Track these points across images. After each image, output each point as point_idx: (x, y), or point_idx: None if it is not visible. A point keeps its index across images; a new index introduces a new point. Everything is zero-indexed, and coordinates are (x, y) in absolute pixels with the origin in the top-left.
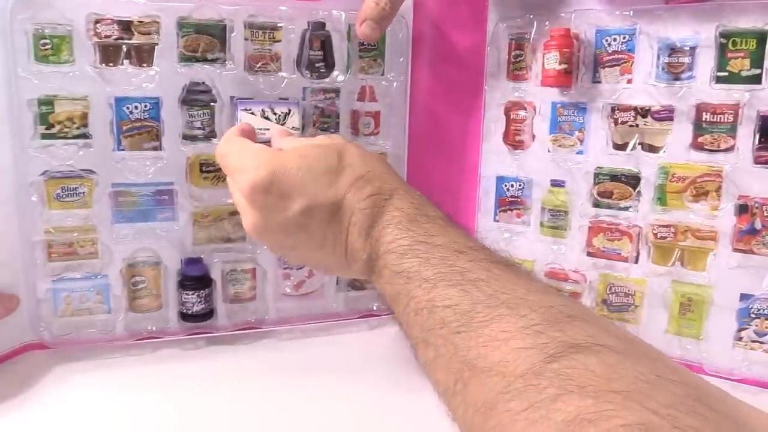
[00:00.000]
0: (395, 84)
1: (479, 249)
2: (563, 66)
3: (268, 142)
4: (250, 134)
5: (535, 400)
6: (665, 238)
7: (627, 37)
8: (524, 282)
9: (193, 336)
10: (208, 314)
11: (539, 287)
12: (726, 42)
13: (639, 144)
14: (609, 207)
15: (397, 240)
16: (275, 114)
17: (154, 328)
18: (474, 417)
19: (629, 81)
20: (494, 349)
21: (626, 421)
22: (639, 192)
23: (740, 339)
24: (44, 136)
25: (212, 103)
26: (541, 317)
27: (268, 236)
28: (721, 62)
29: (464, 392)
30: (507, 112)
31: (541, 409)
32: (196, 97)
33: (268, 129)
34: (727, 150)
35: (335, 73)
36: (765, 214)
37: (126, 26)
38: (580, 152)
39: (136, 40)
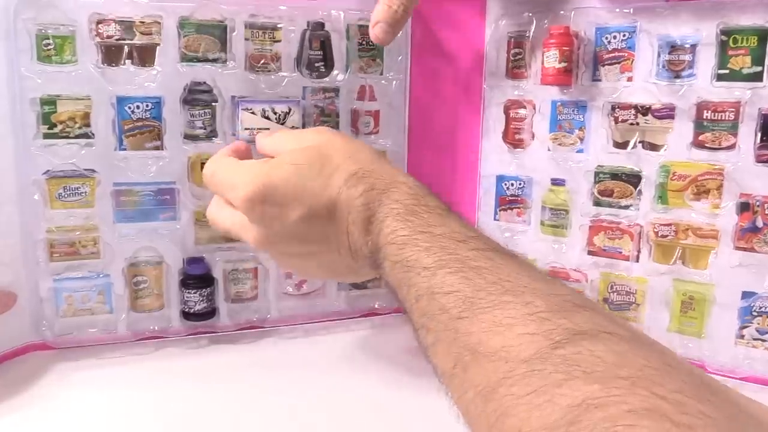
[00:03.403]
0: (394, 83)
1: (481, 238)
2: (563, 64)
3: None
4: (243, 154)
5: (540, 385)
6: (666, 236)
7: (627, 34)
8: (528, 271)
9: (196, 335)
10: (210, 313)
11: (543, 277)
12: (727, 39)
13: (639, 142)
14: (610, 206)
15: (396, 231)
16: (276, 113)
17: (156, 328)
18: (473, 399)
19: (629, 79)
20: (497, 334)
21: (633, 406)
22: (640, 191)
23: (742, 337)
24: (46, 136)
25: (213, 103)
26: (547, 305)
27: (273, 247)
28: (722, 60)
29: (463, 376)
30: (506, 111)
31: (546, 393)
32: (197, 97)
33: (268, 129)
34: (728, 148)
35: (335, 72)
36: (766, 212)
37: (128, 26)
38: (580, 151)
39: (138, 40)
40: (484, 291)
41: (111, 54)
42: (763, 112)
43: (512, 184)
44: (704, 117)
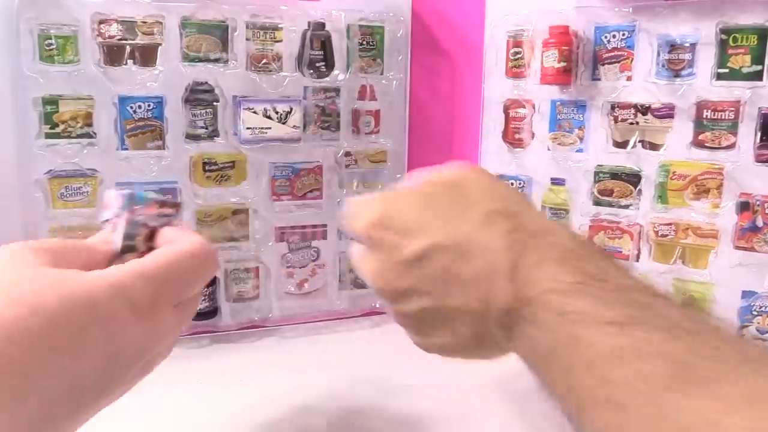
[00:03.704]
0: (395, 83)
1: (669, 296)
2: (562, 64)
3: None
4: None
5: None
6: (666, 236)
7: (626, 33)
8: (742, 338)
9: (197, 335)
10: (212, 312)
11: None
12: (726, 38)
13: (639, 142)
14: (610, 205)
15: (558, 277)
16: (277, 113)
17: None
18: None
19: (629, 78)
20: (731, 413)
21: None
22: (640, 190)
23: (742, 337)
24: (48, 135)
25: (215, 103)
26: None
27: (386, 281)
28: (722, 59)
29: None
30: (506, 110)
31: None
32: (199, 97)
33: (270, 128)
34: (728, 147)
35: (335, 72)
36: (767, 211)
37: (130, 26)
38: (580, 150)
39: (140, 40)
40: (707, 359)
41: (113, 54)
42: (762, 112)
43: (512, 184)
44: (704, 116)
